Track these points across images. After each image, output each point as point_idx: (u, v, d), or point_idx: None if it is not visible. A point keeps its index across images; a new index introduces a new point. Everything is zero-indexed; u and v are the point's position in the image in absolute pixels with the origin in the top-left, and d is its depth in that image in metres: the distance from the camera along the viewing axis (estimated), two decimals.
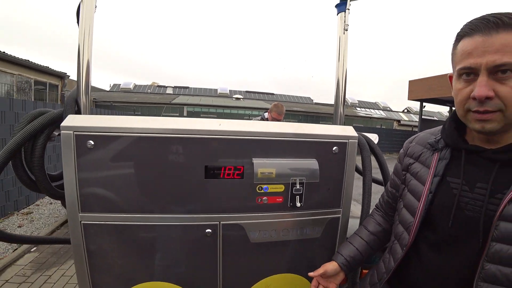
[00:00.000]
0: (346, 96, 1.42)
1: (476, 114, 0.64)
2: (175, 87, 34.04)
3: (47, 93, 14.03)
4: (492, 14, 0.62)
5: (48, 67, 13.67)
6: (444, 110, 27.47)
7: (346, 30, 1.36)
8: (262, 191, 1.00)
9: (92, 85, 1.13)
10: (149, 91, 31.16)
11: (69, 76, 14.85)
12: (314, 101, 34.84)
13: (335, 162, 1.09)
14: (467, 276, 0.67)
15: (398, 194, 0.93)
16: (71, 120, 0.89)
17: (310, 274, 0.99)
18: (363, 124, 27.12)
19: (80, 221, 0.91)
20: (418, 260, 0.79)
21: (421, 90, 14.36)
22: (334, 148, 1.07)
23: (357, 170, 1.28)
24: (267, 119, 3.40)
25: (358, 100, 33.79)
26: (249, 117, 21.07)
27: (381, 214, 1.05)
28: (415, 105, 21.21)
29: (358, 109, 31.21)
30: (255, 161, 0.97)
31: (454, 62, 0.70)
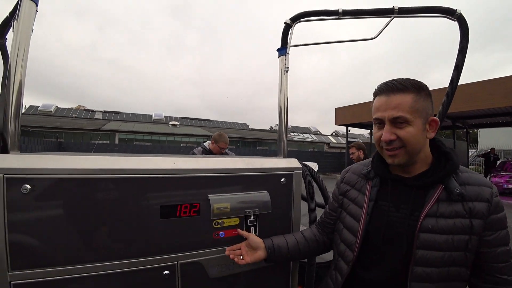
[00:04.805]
0: None
1: (387, 151, 0.86)
2: (105, 112, 31.35)
3: None
4: (391, 80, 0.85)
5: None
6: (365, 132, 31.30)
7: (287, 71, 1.52)
8: (219, 225, 1.02)
9: None
10: (74, 115, 27.90)
11: None
12: (250, 127, 36.02)
13: (283, 192, 1.18)
14: (400, 280, 0.83)
15: (337, 216, 1.06)
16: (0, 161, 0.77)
17: (239, 231, 1.05)
18: (297, 148, 28.93)
19: (10, 282, 0.78)
20: (362, 273, 0.93)
21: (346, 116, 16.31)
22: (282, 180, 1.17)
23: (302, 197, 1.40)
24: (209, 149, 3.31)
25: (291, 126, 36.13)
26: (186, 145, 20.46)
27: (318, 228, 1.16)
28: (342, 129, 23.76)
29: (292, 134, 33.37)
30: (211, 197, 1.00)
31: (372, 113, 0.91)
